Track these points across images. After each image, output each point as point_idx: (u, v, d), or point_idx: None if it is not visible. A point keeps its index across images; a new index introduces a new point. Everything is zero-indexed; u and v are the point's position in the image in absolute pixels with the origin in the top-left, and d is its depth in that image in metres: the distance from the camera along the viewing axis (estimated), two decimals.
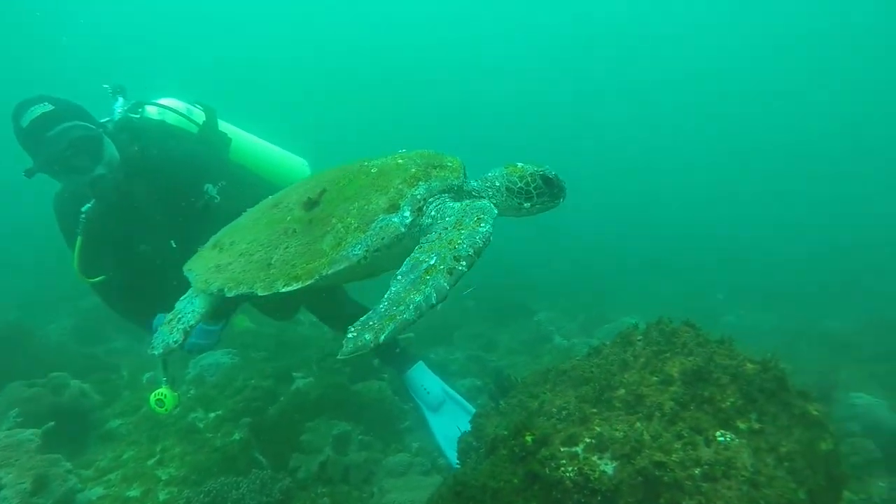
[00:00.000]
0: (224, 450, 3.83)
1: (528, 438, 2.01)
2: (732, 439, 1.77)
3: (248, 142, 3.86)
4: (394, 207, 1.88)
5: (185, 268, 2.31)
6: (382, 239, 1.84)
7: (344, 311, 4.14)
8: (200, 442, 4.00)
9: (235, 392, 4.50)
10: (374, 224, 1.84)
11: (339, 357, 1.60)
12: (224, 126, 3.72)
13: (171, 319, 2.23)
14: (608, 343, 2.48)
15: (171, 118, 3.47)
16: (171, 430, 4.11)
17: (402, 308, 1.59)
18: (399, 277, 1.72)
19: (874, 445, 4.14)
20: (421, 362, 4.17)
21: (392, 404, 4.83)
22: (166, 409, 3.15)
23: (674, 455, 1.69)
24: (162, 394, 3.13)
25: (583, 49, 33.82)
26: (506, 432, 2.38)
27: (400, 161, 2.07)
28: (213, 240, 2.41)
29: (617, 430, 1.92)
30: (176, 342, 2.11)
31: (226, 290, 1.98)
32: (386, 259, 1.91)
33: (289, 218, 2.04)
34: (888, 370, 6.93)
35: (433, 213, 1.91)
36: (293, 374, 5.03)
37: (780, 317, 10.03)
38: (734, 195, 24.91)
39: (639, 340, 2.28)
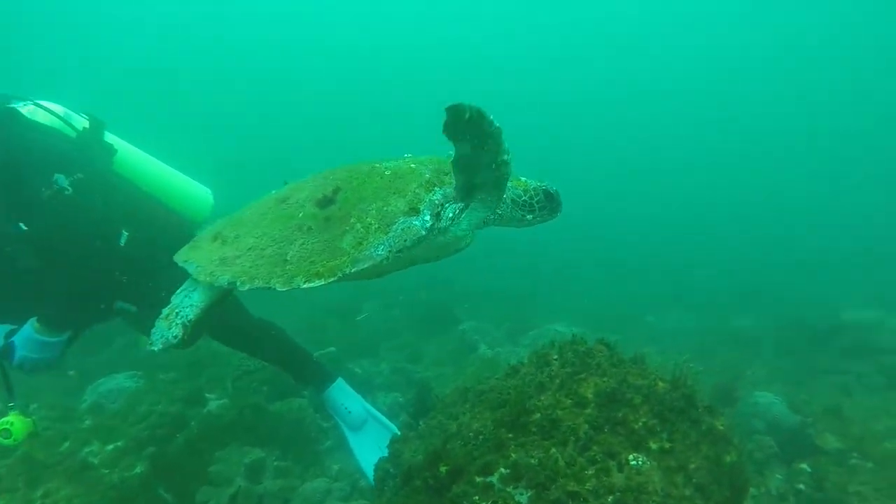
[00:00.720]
0: (122, 487, 3.48)
1: (443, 469, 1.92)
2: (644, 462, 1.76)
3: (139, 158, 3.59)
4: (413, 211, 1.92)
5: (181, 258, 2.16)
6: (405, 241, 1.87)
7: (251, 333, 3.89)
8: (94, 480, 3.59)
9: (139, 419, 4.11)
10: (395, 226, 1.88)
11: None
12: (115, 140, 3.47)
13: (167, 314, 2.10)
14: (525, 362, 2.44)
15: (42, 117, 3.20)
16: (58, 471, 3.64)
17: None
18: None
19: (773, 441, 4.43)
20: (340, 379, 4.00)
21: (312, 424, 4.61)
22: (14, 440, 2.78)
23: (587, 484, 1.66)
24: (7, 422, 2.76)
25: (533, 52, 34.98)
26: (421, 459, 2.29)
27: (413, 165, 2.10)
28: (210, 231, 2.29)
29: (532, 456, 1.87)
30: (175, 337, 2.00)
31: (238, 283, 1.90)
32: (404, 260, 1.96)
33: (301, 214, 2.01)
34: (790, 365, 7.54)
35: (449, 217, 1.96)
36: (206, 396, 4.69)
37: (698, 317, 10.65)
38: (675, 200, 26.49)
39: (555, 360, 2.26)
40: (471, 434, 2.25)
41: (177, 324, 2.03)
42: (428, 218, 1.91)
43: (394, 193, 1.96)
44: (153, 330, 2.05)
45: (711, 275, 14.62)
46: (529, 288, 12.53)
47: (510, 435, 2.04)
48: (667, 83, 34.95)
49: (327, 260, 1.84)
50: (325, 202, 1.98)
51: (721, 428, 2.02)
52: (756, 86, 34.19)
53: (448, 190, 1.99)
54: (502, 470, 1.81)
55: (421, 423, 2.97)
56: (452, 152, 1.81)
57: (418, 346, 7.22)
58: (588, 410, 1.92)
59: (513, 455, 1.94)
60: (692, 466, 1.87)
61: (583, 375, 2.05)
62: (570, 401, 1.97)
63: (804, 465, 4.25)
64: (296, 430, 4.22)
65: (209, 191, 3.90)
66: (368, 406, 3.97)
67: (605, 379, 1.99)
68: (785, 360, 7.64)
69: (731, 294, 12.47)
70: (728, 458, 2.03)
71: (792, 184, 29.32)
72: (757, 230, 21.23)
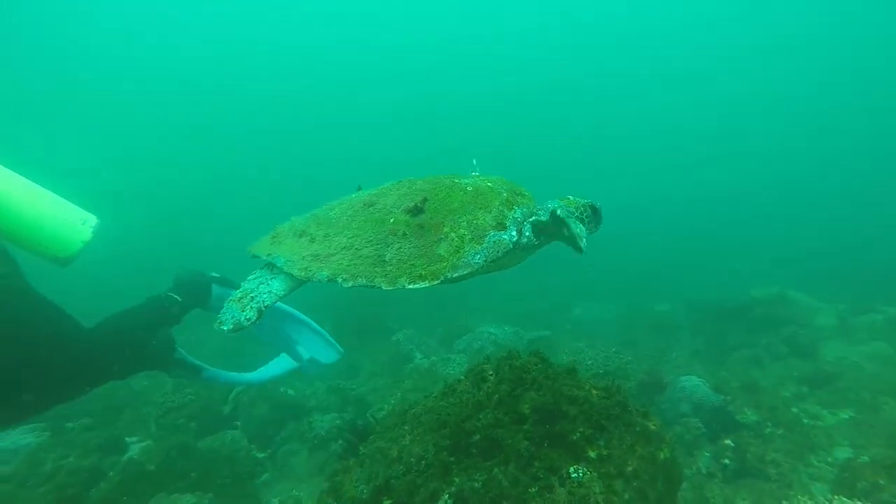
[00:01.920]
0: None
1: None
2: (584, 473, 1.79)
3: None
4: (501, 226, 2.17)
5: (263, 251, 2.27)
6: (497, 252, 2.08)
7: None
8: None
9: (44, 479, 3.71)
10: (487, 238, 2.11)
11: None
12: None
13: (241, 297, 2.16)
14: (462, 378, 2.41)
15: None
16: None
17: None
18: None
19: (700, 422, 4.72)
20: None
21: (247, 458, 4.38)
22: None
23: (532, 503, 1.66)
24: None
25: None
26: (365, 495, 2.22)
27: (489, 184, 2.35)
28: (290, 228, 2.38)
29: (475, 480, 1.84)
30: (248, 320, 2.06)
31: (340, 280, 2.02)
32: (489, 268, 2.15)
33: (392, 220, 2.16)
34: (705, 345, 8.06)
35: (527, 234, 2.22)
36: (126, 441, 4.33)
37: (620, 305, 11.12)
38: (597, 190, 27.53)
39: (490, 376, 2.25)
40: (412, 460, 2.20)
41: (252, 307, 2.10)
42: (514, 233, 2.16)
43: (480, 208, 2.21)
44: (223, 310, 2.10)
45: (630, 261, 15.36)
46: (459, 288, 12.61)
47: (452, 458, 2.01)
48: (576, 90, 36.45)
49: (427, 264, 2.02)
50: (416, 210, 2.16)
51: (653, 428, 2.09)
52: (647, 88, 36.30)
53: (524, 209, 2.29)
54: (446, 497, 1.77)
55: (361, 447, 2.88)
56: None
57: (352, 359, 7.04)
58: (526, 426, 1.92)
59: (456, 480, 1.91)
60: (629, 469, 1.92)
61: (519, 391, 2.05)
62: (508, 418, 1.97)
63: (728, 441, 4.55)
64: (229, 467, 3.98)
65: (91, 219, 3.23)
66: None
67: (541, 393, 2.00)
68: (702, 339, 8.15)
69: (651, 277, 13.20)
70: (662, 455, 2.10)
71: (703, 168, 31.55)
72: (671, 213, 22.66)
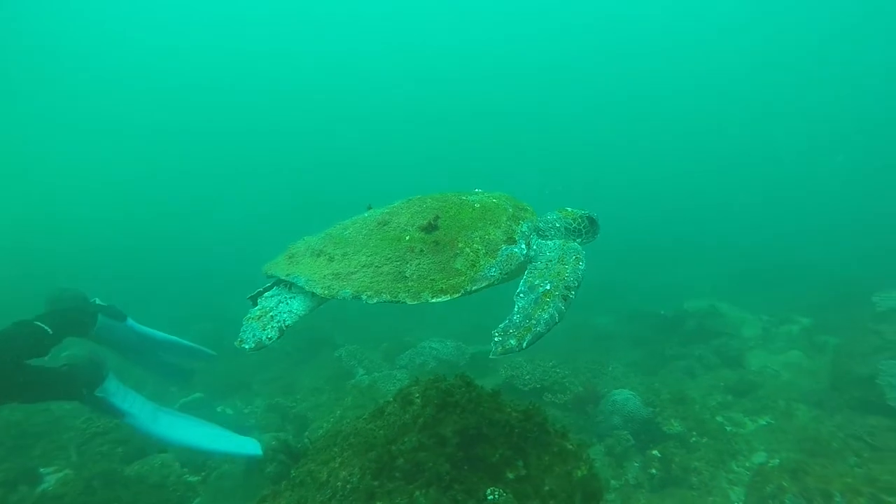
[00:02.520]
0: None
1: None
2: (501, 495, 1.85)
3: None
4: (511, 240, 2.30)
5: (282, 272, 2.33)
6: (510, 265, 2.22)
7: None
8: None
9: None
10: (500, 252, 2.24)
11: (490, 357, 1.86)
12: None
13: (260, 316, 2.20)
14: (391, 401, 2.45)
15: None
16: None
17: (534, 322, 1.95)
18: (521, 295, 2.07)
19: (629, 434, 4.91)
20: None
21: (178, 483, 4.22)
22: None
23: None
24: None
25: None
26: None
27: (494, 200, 2.51)
28: (305, 248, 2.46)
29: None
30: (270, 339, 2.10)
31: (364, 297, 2.08)
32: (503, 280, 2.28)
33: (408, 237, 2.27)
34: (642, 355, 8.39)
35: (534, 247, 2.39)
36: (40, 472, 4.08)
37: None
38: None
39: (417, 399, 2.29)
40: (339, 483, 2.21)
41: (273, 327, 2.14)
42: (524, 247, 2.33)
43: (489, 224, 2.34)
44: (243, 329, 2.13)
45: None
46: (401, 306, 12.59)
47: (376, 482, 2.03)
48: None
49: (446, 279, 2.12)
50: (430, 228, 2.27)
51: (570, 447, 2.18)
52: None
53: (529, 224, 2.47)
54: None
55: (293, 471, 2.85)
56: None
57: (294, 375, 6.91)
58: (449, 449, 1.97)
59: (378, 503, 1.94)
60: (546, 488, 2.00)
61: (443, 414, 2.10)
62: (431, 441, 2.01)
63: (655, 451, 4.76)
64: (157, 494, 3.83)
65: None
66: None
67: (464, 416, 2.05)
68: (639, 351, 8.48)
69: (596, 290, 13.60)
70: (579, 473, 2.19)
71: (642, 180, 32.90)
72: (616, 228, 23.40)
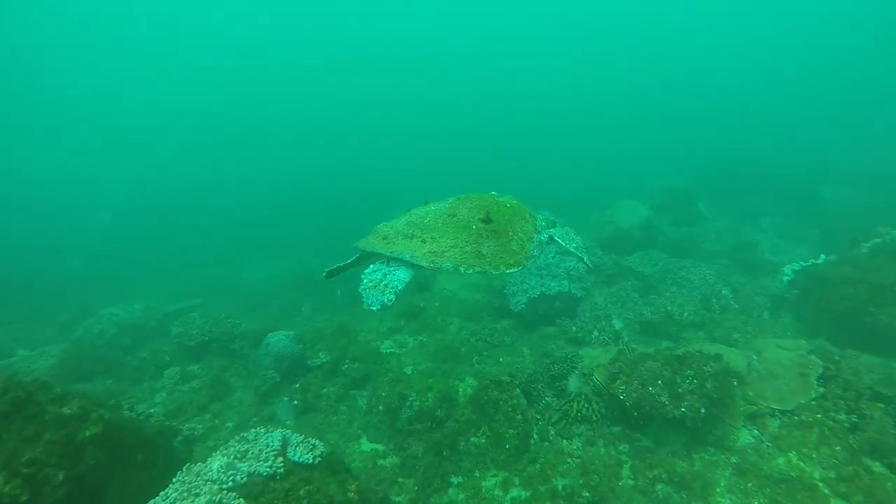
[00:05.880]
0: None
1: None
2: None
3: None
4: (536, 231, 3.25)
5: (387, 249, 2.89)
6: (541, 248, 3.22)
7: None
8: None
9: None
10: (535, 238, 3.18)
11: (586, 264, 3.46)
12: None
13: (375, 285, 2.74)
14: None
15: None
16: None
17: (584, 253, 3.45)
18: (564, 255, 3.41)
19: (276, 373, 5.46)
20: None
21: None
22: None
23: None
24: None
25: None
26: None
27: (514, 201, 3.35)
28: (394, 231, 3.03)
29: None
30: (390, 301, 2.70)
31: (462, 268, 2.77)
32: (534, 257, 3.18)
33: (474, 227, 2.97)
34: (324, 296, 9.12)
35: (546, 234, 3.37)
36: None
37: (297, 262, 11.72)
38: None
39: None
40: None
41: (391, 291, 2.70)
42: (545, 236, 3.34)
43: (521, 219, 3.19)
44: (366, 296, 2.71)
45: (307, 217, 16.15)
46: (98, 272, 11.56)
47: None
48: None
49: (509, 256, 2.90)
50: (487, 220, 3.01)
51: (68, 412, 2.38)
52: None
53: (540, 218, 3.42)
54: None
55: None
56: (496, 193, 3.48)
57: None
58: None
59: None
60: (24, 459, 2.17)
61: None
62: None
63: (297, 385, 5.40)
64: None
65: None
66: None
67: None
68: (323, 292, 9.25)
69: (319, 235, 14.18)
70: (87, 433, 2.43)
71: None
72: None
